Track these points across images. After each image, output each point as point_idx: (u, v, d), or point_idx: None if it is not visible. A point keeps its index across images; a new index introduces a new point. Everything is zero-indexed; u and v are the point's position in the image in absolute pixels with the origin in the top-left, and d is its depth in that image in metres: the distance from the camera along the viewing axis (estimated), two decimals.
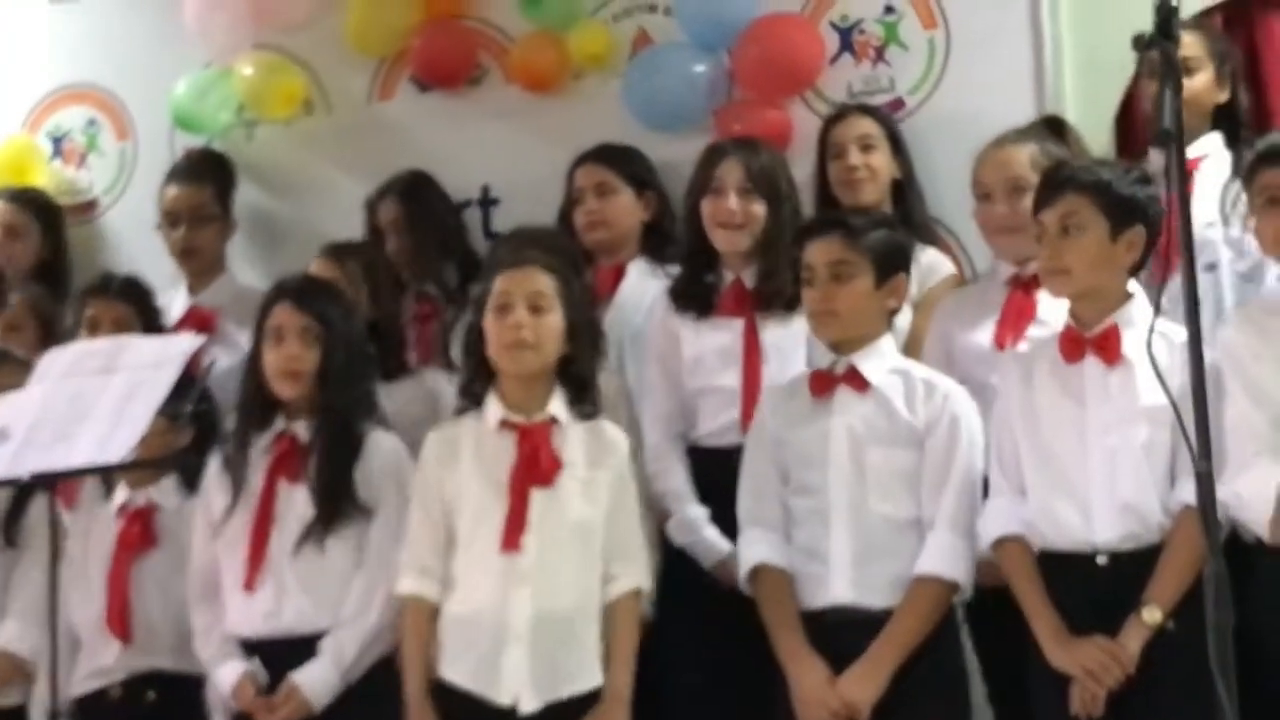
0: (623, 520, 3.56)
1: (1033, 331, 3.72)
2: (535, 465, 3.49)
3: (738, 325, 4.05)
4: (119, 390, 3.48)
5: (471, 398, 3.61)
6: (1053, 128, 3.98)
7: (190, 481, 4.04)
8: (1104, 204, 3.36)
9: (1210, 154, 4.11)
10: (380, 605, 3.65)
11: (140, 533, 3.98)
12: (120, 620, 3.90)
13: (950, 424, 3.52)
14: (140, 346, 3.67)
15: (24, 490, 3.95)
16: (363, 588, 3.68)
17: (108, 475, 3.98)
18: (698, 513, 3.97)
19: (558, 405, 3.54)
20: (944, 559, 3.45)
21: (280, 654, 3.66)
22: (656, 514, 3.98)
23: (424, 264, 4.80)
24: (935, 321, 3.99)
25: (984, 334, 3.85)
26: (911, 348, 3.99)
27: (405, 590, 3.55)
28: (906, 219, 4.23)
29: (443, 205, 4.96)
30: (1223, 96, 4.17)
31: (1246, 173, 3.52)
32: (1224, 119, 4.19)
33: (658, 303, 4.26)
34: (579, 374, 3.57)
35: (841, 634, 3.47)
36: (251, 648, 3.71)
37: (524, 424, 3.52)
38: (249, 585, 3.70)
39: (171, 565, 3.96)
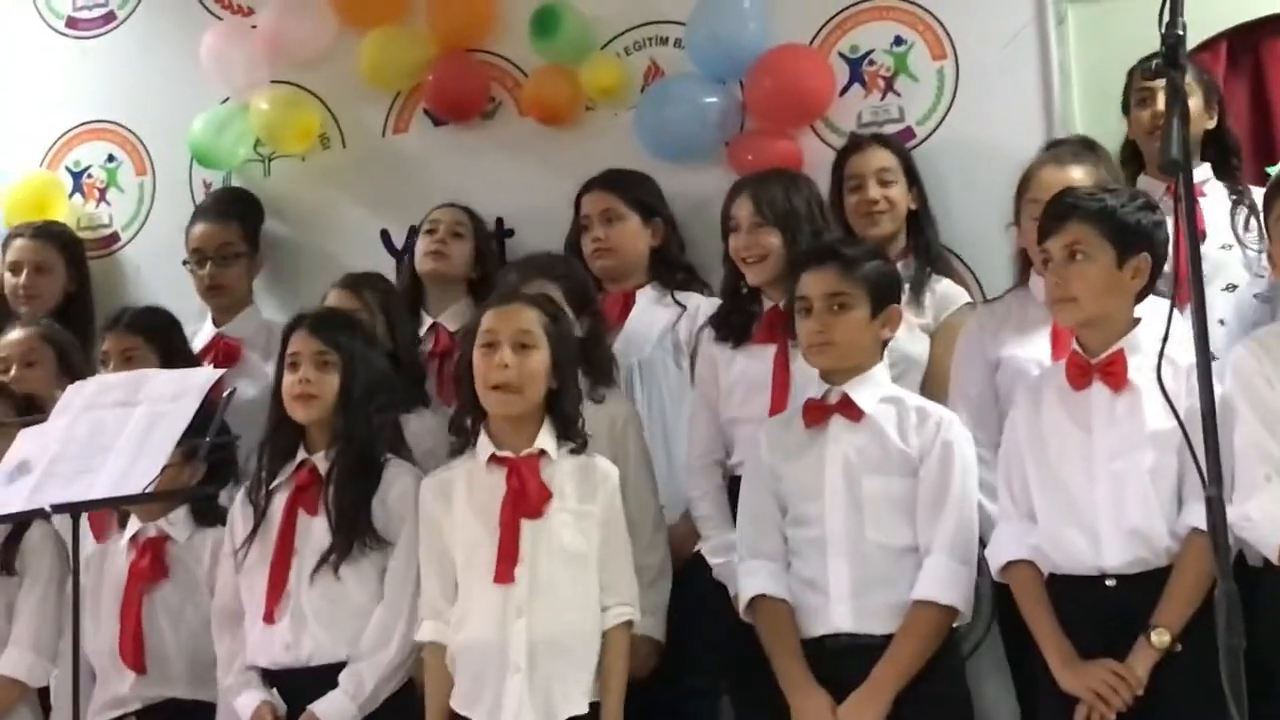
0: (613, 553, 3.59)
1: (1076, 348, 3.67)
2: (524, 497, 3.52)
3: (770, 353, 4.06)
4: (139, 423, 3.51)
5: (461, 433, 3.65)
6: (1086, 148, 3.97)
7: (201, 513, 4.08)
8: (1109, 231, 3.37)
9: (1206, 181, 4.15)
10: (399, 639, 3.67)
11: (151, 564, 3.98)
12: (134, 651, 3.91)
13: (943, 450, 3.53)
14: (160, 379, 3.70)
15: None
16: (381, 621, 3.69)
17: (121, 508, 4.00)
18: (729, 538, 3.95)
19: (546, 439, 3.58)
20: (941, 584, 3.47)
21: (299, 685, 3.68)
22: (689, 539, 4.05)
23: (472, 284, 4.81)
24: (966, 343, 3.98)
25: (1035, 348, 3.82)
26: (933, 377, 4.03)
27: (423, 638, 3.61)
28: (922, 250, 4.26)
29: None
30: (1210, 123, 4.19)
31: (1265, 200, 3.53)
32: (1213, 148, 4.22)
33: (668, 341, 4.30)
34: (564, 409, 3.60)
35: (842, 661, 3.49)
36: (271, 678, 3.74)
37: (513, 458, 3.56)
38: (268, 616, 3.72)
39: (183, 596, 3.99)
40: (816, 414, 3.64)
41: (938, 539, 3.49)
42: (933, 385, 4.00)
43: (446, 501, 3.62)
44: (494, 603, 3.49)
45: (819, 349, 3.62)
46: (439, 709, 3.55)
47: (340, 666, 3.67)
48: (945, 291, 4.17)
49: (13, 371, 4.57)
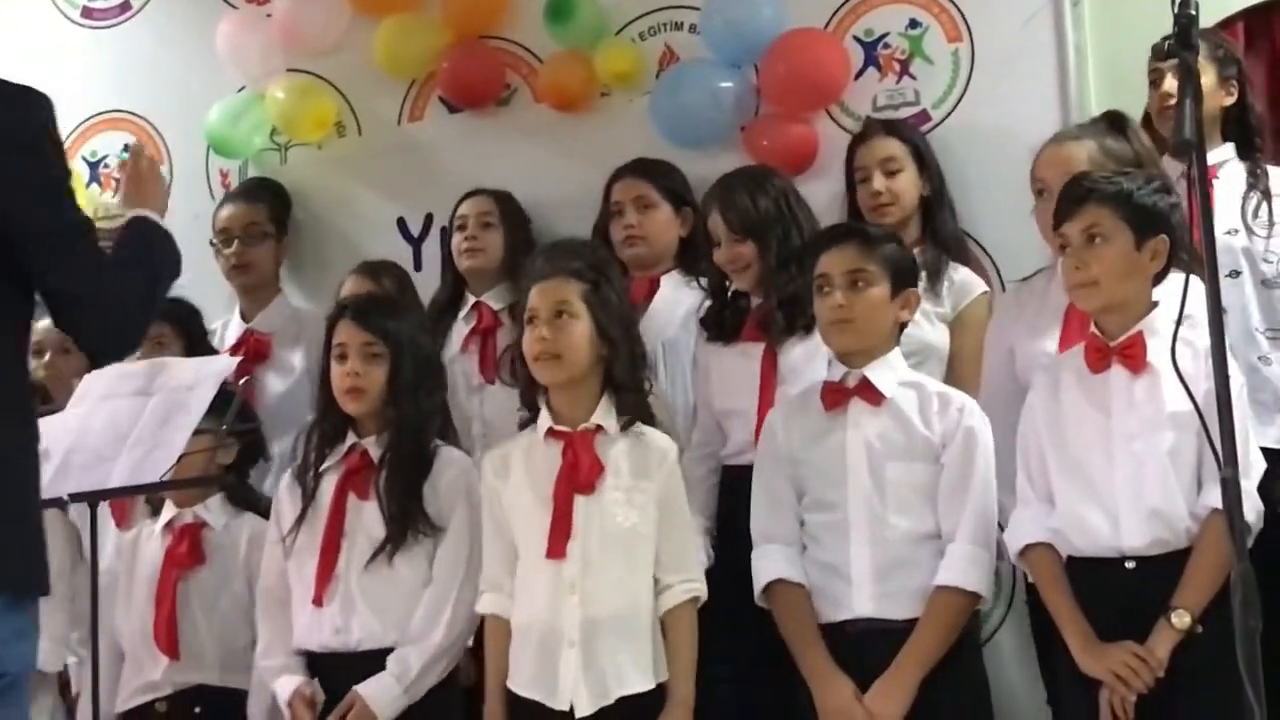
0: (674, 529, 3.56)
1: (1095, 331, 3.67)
2: (577, 472, 3.51)
3: (759, 349, 4.07)
4: (156, 411, 3.53)
5: (530, 406, 3.65)
6: (1114, 124, 3.91)
7: (237, 499, 4.10)
8: (1126, 214, 3.36)
9: (1227, 162, 4.12)
10: (446, 623, 3.68)
11: (188, 550, 4.01)
12: (168, 636, 3.94)
13: (966, 437, 3.53)
14: (176, 368, 3.72)
15: None
16: (430, 605, 3.70)
17: (153, 494, 4.02)
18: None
19: (604, 414, 3.57)
20: (964, 570, 3.46)
21: (347, 669, 3.69)
22: None
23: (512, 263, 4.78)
24: (994, 329, 3.99)
25: (1048, 341, 3.81)
26: (954, 366, 4.02)
27: (483, 609, 3.61)
28: (938, 236, 4.25)
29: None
30: (1228, 100, 4.15)
31: None
32: (1235, 128, 4.19)
33: (696, 326, 4.32)
34: (616, 376, 3.58)
35: (865, 645, 3.49)
36: (319, 662, 3.75)
37: (569, 432, 3.55)
38: (318, 600, 3.73)
39: (218, 582, 4.02)
40: (836, 397, 3.63)
41: (961, 525, 3.49)
42: (954, 376, 3.99)
43: (505, 475, 3.62)
44: (547, 578, 3.48)
45: (839, 326, 3.60)
46: (498, 682, 3.54)
47: (389, 652, 3.68)
48: (964, 280, 4.16)
49: (46, 357, 4.58)
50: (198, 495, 4.05)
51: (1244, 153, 4.18)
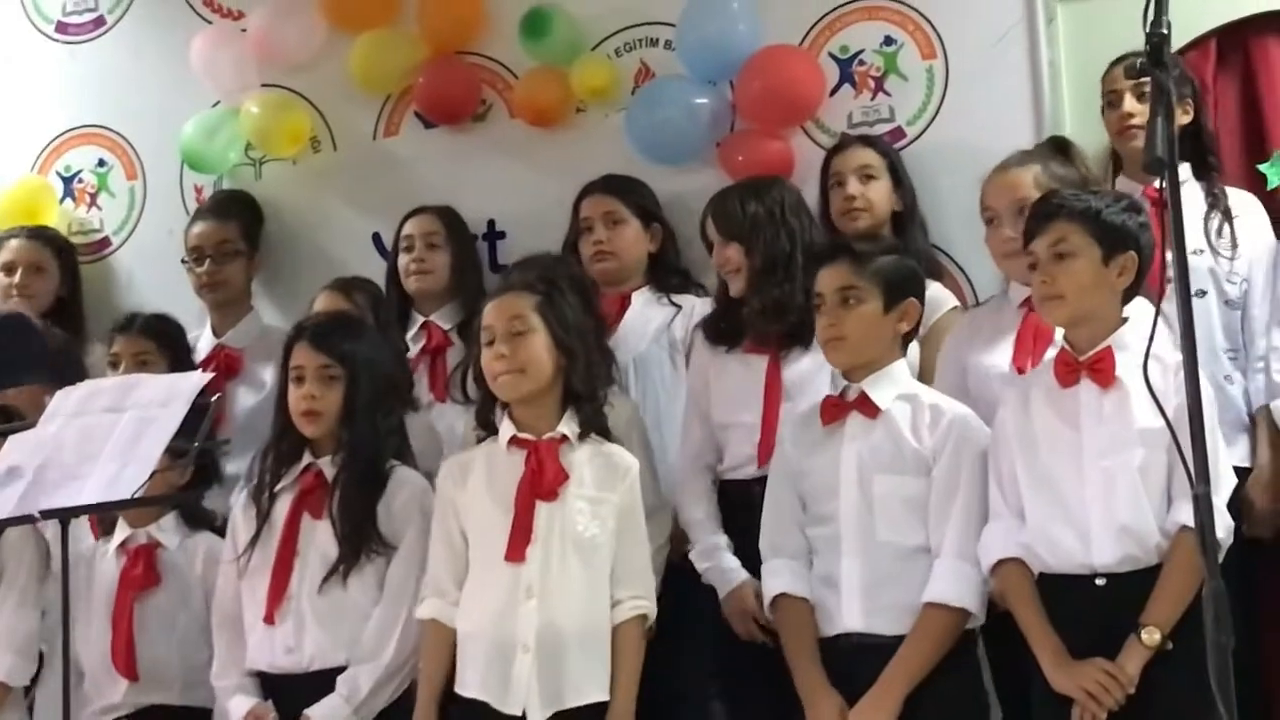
0: (630, 546, 3.58)
1: (1050, 354, 3.67)
2: (541, 479, 3.52)
3: (763, 361, 4.08)
4: (128, 428, 3.51)
5: (486, 425, 3.65)
6: (1059, 148, 3.99)
7: (191, 518, 4.10)
8: (1094, 230, 3.38)
9: (1184, 182, 4.13)
10: (397, 642, 3.67)
11: (144, 571, 4.01)
12: (126, 658, 3.94)
13: (955, 450, 3.53)
14: (149, 385, 3.69)
15: None
16: (379, 624, 3.70)
17: (107, 514, 4.00)
18: (720, 540, 4.01)
19: (568, 424, 3.58)
20: (951, 586, 3.47)
21: (300, 689, 3.68)
22: (678, 542, 4.07)
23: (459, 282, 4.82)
24: (948, 346, 4.02)
25: (999, 356, 3.86)
26: (924, 380, 4.02)
27: (424, 614, 3.60)
28: (906, 251, 4.25)
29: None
30: (1184, 119, 4.15)
31: None
32: (1189, 148, 4.19)
33: (665, 340, 4.32)
34: (575, 388, 3.59)
35: (854, 661, 3.50)
36: (270, 681, 3.74)
37: (533, 440, 3.56)
38: (269, 619, 3.72)
39: (175, 602, 4.02)
40: (834, 411, 3.65)
41: (948, 539, 3.50)
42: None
43: (463, 482, 3.62)
44: (505, 582, 3.49)
45: (831, 344, 3.63)
46: (433, 689, 3.53)
47: (341, 671, 3.67)
48: (934, 295, 4.16)
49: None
50: (151, 515, 4.05)
51: (1200, 173, 4.21)
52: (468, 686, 3.49)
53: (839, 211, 4.34)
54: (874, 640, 3.49)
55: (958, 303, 4.27)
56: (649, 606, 3.58)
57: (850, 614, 3.52)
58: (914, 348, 4.05)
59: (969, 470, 3.53)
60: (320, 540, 3.75)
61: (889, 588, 3.51)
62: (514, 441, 3.57)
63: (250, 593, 3.79)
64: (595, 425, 3.62)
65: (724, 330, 4.17)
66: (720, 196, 4.22)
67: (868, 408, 3.60)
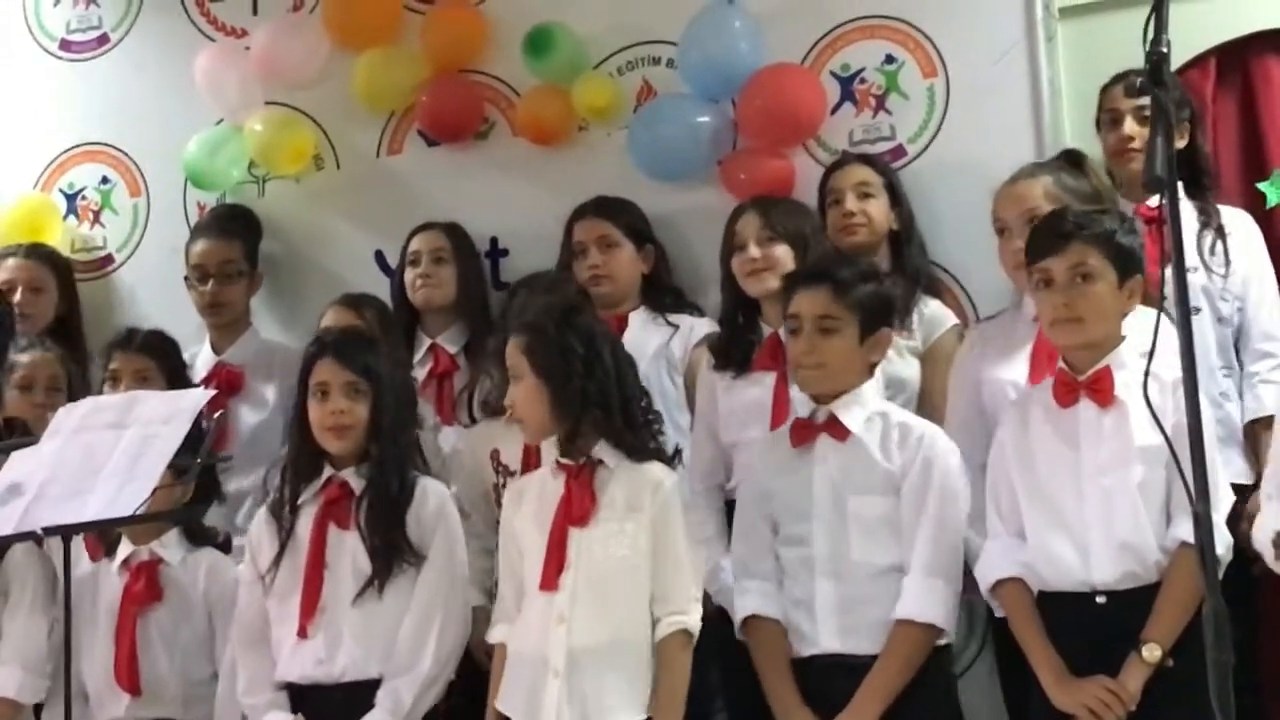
0: (665, 561, 3.53)
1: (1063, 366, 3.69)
2: (571, 505, 3.54)
3: (770, 379, 4.08)
4: (130, 445, 3.51)
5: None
6: (1072, 161, 3.98)
7: (194, 534, 4.10)
8: (1111, 253, 3.39)
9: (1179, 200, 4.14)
10: (433, 652, 3.69)
11: (146, 587, 4.00)
12: (129, 674, 3.93)
13: (924, 467, 3.54)
14: (151, 401, 3.70)
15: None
16: (413, 634, 3.70)
17: (110, 531, 4.01)
18: (726, 564, 3.98)
19: (604, 447, 3.58)
20: (921, 603, 3.47)
21: (330, 701, 3.70)
22: None
23: (466, 298, 4.83)
24: (960, 364, 4.01)
25: (1014, 370, 3.84)
26: (926, 399, 4.04)
27: (494, 639, 3.66)
28: (907, 270, 4.28)
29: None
30: (1181, 143, 4.17)
31: None
32: (1184, 167, 4.20)
33: (663, 361, 4.32)
34: (578, 420, 3.56)
35: (830, 680, 3.50)
36: (299, 692, 3.75)
37: (571, 465, 3.58)
38: (303, 632, 3.73)
39: (177, 618, 4.01)
40: (804, 434, 3.66)
41: (916, 557, 3.50)
42: (927, 409, 3.99)
43: (518, 506, 3.67)
44: (541, 607, 3.51)
45: (808, 372, 3.63)
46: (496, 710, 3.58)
47: (373, 682, 3.68)
48: (934, 314, 4.18)
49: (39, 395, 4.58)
50: (154, 531, 4.05)
51: (1192, 191, 4.21)
52: (508, 705, 3.53)
53: (836, 227, 4.36)
54: (849, 660, 3.50)
55: (958, 321, 4.28)
56: (689, 621, 3.51)
57: (826, 635, 3.54)
58: (915, 365, 4.07)
59: (937, 486, 3.53)
60: (350, 552, 3.76)
61: (864, 607, 3.52)
62: (558, 465, 3.60)
63: (278, 608, 3.79)
64: (638, 449, 3.59)
65: (733, 355, 4.18)
66: (766, 201, 4.27)
67: (837, 430, 3.61)
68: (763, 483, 3.70)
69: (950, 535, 3.53)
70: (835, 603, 3.53)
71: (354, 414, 3.78)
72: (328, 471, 3.83)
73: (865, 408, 3.63)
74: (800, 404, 3.93)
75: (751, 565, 3.68)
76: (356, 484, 3.79)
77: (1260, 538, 3.30)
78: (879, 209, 4.38)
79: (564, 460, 3.59)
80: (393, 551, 3.72)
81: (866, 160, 4.49)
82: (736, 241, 4.20)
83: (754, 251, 4.15)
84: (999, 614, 3.56)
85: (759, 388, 4.09)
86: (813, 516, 3.59)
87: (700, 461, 4.18)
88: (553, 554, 3.52)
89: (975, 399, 3.90)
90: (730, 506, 4.07)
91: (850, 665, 3.48)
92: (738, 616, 3.67)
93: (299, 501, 3.83)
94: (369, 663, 3.69)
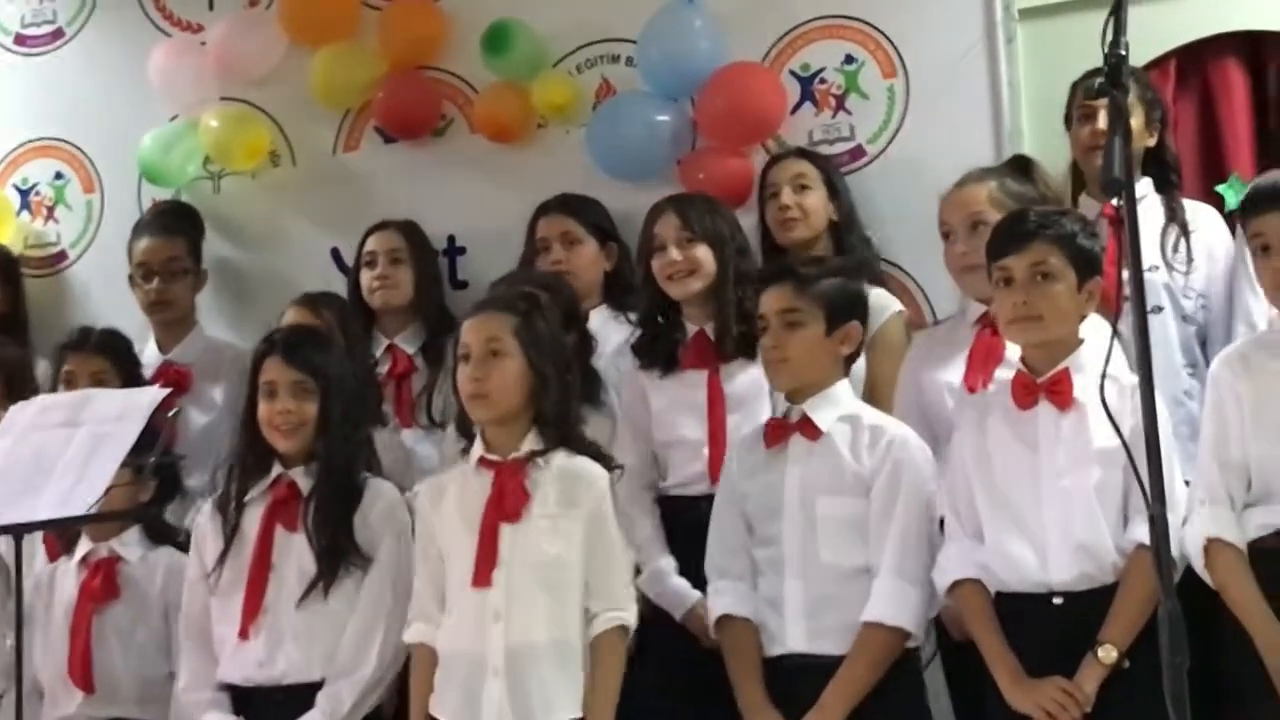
0: (601, 558, 3.53)
1: (1000, 373, 3.70)
2: (503, 501, 3.51)
3: (702, 377, 4.07)
4: (83, 444, 3.49)
5: (467, 434, 3.64)
6: (1020, 168, 3.98)
7: (153, 533, 4.07)
8: (1071, 254, 3.39)
9: (1145, 197, 4.16)
10: (377, 655, 3.67)
11: (103, 584, 3.99)
12: (83, 671, 3.91)
13: (893, 469, 3.53)
14: (104, 400, 3.68)
15: None
16: (357, 637, 3.69)
17: (69, 529, 3.98)
18: (666, 564, 4.00)
19: (534, 441, 3.55)
20: (889, 605, 3.46)
21: (271, 703, 3.67)
22: None
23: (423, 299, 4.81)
24: (907, 362, 4.03)
25: (951, 372, 3.86)
26: (871, 387, 4.02)
27: (410, 639, 3.60)
28: (847, 263, 4.26)
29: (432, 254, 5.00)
30: (1151, 141, 4.22)
31: (1240, 218, 3.53)
32: (1153, 165, 4.24)
33: (626, 358, 4.29)
34: (545, 410, 3.55)
35: (798, 682, 3.49)
36: (242, 695, 3.72)
37: (500, 462, 3.55)
38: (244, 633, 3.71)
39: (134, 616, 3.99)
40: (778, 433, 3.66)
41: (886, 559, 3.50)
42: (872, 395, 3.97)
43: (439, 503, 3.62)
44: (472, 607, 3.48)
45: (774, 366, 3.64)
46: (421, 709, 3.52)
47: (314, 685, 3.66)
48: (876, 301, 4.13)
49: None
50: (114, 529, 4.03)
51: (1160, 186, 4.23)
52: (443, 708, 3.48)
53: (775, 221, 4.37)
54: (817, 661, 3.49)
55: (902, 307, 4.28)
56: (626, 617, 3.52)
57: (794, 635, 3.53)
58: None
59: (907, 490, 3.53)
60: (296, 553, 3.73)
61: (832, 609, 3.51)
62: (482, 462, 3.57)
63: (222, 607, 3.77)
64: (569, 444, 3.58)
65: (658, 352, 4.16)
66: (683, 200, 4.23)
67: (809, 429, 3.61)
68: (738, 483, 3.70)
69: (920, 539, 3.52)
70: (804, 603, 3.52)
71: (301, 413, 3.76)
72: (276, 470, 3.81)
73: (838, 407, 3.63)
74: (736, 400, 3.99)
75: (726, 565, 3.67)
76: (304, 484, 3.77)
77: (1192, 543, 3.34)
78: (816, 201, 4.39)
79: (490, 456, 3.56)
80: (339, 553, 3.70)
81: (802, 153, 4.51)
82: (656, 243, 4.15)
83: (674, 254, 4.11)
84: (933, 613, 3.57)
85: (691, 387, 4.08)
86: (783, 517, 3.58)
87: (630, 463, 4.11)
88: (485, 550, 3.48)
89: (918, 400, 3.92)
90: (674, 505, 4.08)
91: (818, 666, 3.47)
92: (711, 616, 3.66)
93: (245, 499, 3.80)
94: (311, 665, 3.67)
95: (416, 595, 3.61)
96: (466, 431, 3.65)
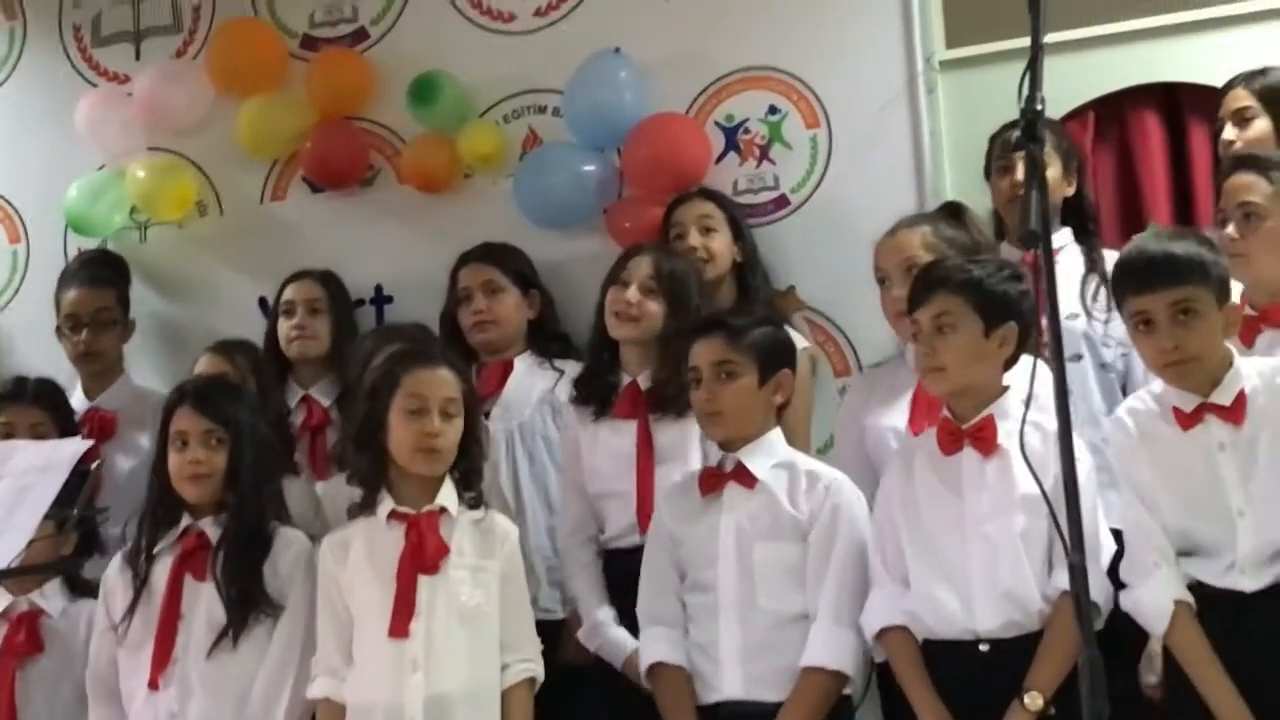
0: (514, 610, 3.60)
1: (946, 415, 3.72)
2: (422, 552, 3.53)
3: (632, 427, 4.08)
4: (5, 497, 3.45)
5: (368, 487, 3.64)
6: (952, 213, 4.02)
7: (75, 585, 4.04)
8: (977, 302, 3.41)
9: (1064, 247, 4.22)
10: (286, 707, 3.65)
11: (26, 638, 3.96)
12: None
13: (831, 514, 3.56)
14: (27, 451, 3.64)
15: None
16: (266, 688, 3.67)
17: None
18: (604, 615, 4.00)
19: (447, 496, 3.60)
20: (828, 650, 3.48)
21: None
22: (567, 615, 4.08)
23: (339, 354, 4.76)
24: (846, 405, 4.07)
25: (895, 416, 3.87)
26: (784, 424, 4.03)
27: (315, 694, 3.59)
28: (750, 300, 4.32)
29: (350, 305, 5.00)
30: (1069, 190, 4.27)
31: (1115, 295, 3.54)
32: (1072, 214, 4.29)
33: (565, 410, 4.28)
34: (468, 467, 3.62)
35: None
36: None
37: (413, 514, 3.57)
38: (154, 683, 3.68)
39: (58, 669, 3.97)
40: (712, 482, 3.68)
41: (823, 604, 3.51)
42: (785, 433, 3.98)
43: (343, 558, 3.62)
44: (390, 658, 3.48)
45: (709, 418, 3.66)
46: None
47: None
48: None
49: None
50: (34, 583, 4.01)
51: (1079, 236, 4.28)
52: None
53: None
54: (756, 707, 3.50)
55: (808, 344, 4.33)
56: (536, 669, 3.60)
57: (730, 681, 3.54)
58: None
59: (844, 534, 3.55)
60: (205, 603, 3.72)
61: (768, 655, 3.52)
62: (393, 516, 3.58)
63: (131, 659, 3.75)
64: (476, 498, 3.64)
65: (595, 391, 4.16)
66: (661, 250, 4.25)
67: (745, 478, 3.63)
68: (671, 529, 3.71)
69: (857, 583, 3.53)
70: (740, 649, 3.54)
71: (211, 463, 3.76)
72: (186, 520, 3.80)
73: (772, 455, 3.66)
74: (664, 453, 4.00)
75: (657, 612, 3.69)
76: (214, 533, 3.77)
77: (1155, 607, 3.32)
78: (721, 243, 4.42)
79: (402, 509, 3.57)
80: (248, 602, 3.69)
81: (707, 194, 4.53)
82: (623, 277, 4.15)
83: (632, 295, 4.11)
84: (879, 659, 3.58)
85: (623, 436, 4.09)
86: (718, 563, 3.60)
87: (570, 515, 4.18)
88: (402, 601, 3.50)
89: (859, 442, 3.93)
90: (611, 558, 4.08)
91: (756, 713, 3.49)
92: (642, 663, 3.66)
93: (155, 550, 3.79)
94: (222, 715, 3.65)
95: (321, 650, 3.62)
96: (368, 485, 3.66)
